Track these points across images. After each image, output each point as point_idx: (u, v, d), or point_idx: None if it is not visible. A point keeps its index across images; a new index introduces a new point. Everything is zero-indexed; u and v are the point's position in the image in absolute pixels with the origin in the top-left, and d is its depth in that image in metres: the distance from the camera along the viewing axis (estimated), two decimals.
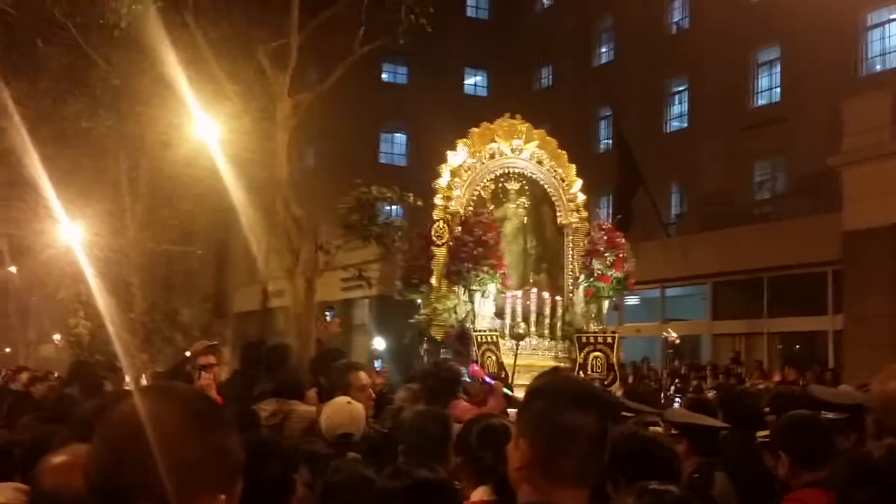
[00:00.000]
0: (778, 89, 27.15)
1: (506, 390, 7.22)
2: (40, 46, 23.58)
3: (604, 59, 33.52)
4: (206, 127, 21.00)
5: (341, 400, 5.31)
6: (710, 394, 11.38)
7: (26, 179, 24.87)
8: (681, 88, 30.21)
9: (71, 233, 25.71)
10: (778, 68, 27.19)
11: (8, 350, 34.59)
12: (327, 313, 26.86)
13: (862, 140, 18.21)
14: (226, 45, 20.54)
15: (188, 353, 8.49)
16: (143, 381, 10.27)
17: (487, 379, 7.49)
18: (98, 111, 23.36)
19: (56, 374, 16.19)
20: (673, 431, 4.76)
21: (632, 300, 26.59)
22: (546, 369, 2.48)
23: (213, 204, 26.27)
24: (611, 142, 31.53)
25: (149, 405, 1.55)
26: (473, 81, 38.78)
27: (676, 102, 30.56)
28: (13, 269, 32.10)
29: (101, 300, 24.55)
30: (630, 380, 17.60)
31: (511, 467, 2.17)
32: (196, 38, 19.34)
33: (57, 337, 30.58)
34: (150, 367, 17.67)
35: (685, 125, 30.03)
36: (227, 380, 7.83)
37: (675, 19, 30.85)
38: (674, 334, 10.72)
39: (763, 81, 27.79)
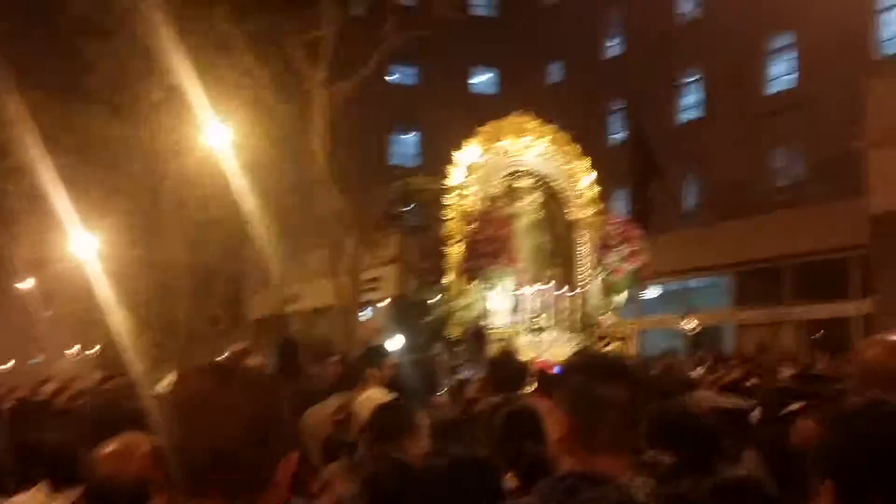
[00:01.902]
0: (793, 75, 26.93)
1: None
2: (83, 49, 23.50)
3: (614, 52, 33.36)
4: (233, 129, 21.12)
5: (377, 391, 5.65)
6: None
7: (47, 191, 25.03)
8: (694, 78, 30.01)
9: (89, 243, 25.82)
10: (793, 54, 26.97)
11: (32, 362, 34.83)
12: (363, 312, 26.84)
13: (887, 121, 17.99)
14: (257, 40, 20.48)
15: (221, 357, 8.48)
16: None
17: (557, 370, 7.30)
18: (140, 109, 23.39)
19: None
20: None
21: (652, 292, 26.49)
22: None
23: (231, 209, 26.35)
24: (624, 135, 31.39)
25: (230, 381, 1.68)
26: (482, 80, 38.69)
27: (690, 92, 30.37)
28: (29, 282, 32.32)
29: (140, 307, 24.79)
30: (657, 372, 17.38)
31: (551, 440, 2.32)
32: (229, 32, 19.23)
33: (76, 348, 30.75)
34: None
35: (699, 115, 29.83)
36: None
37: (686, 9, 30.65)
38: (692, 323, 10.60)
39: (777, 68, 27.56)
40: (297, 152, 22.29)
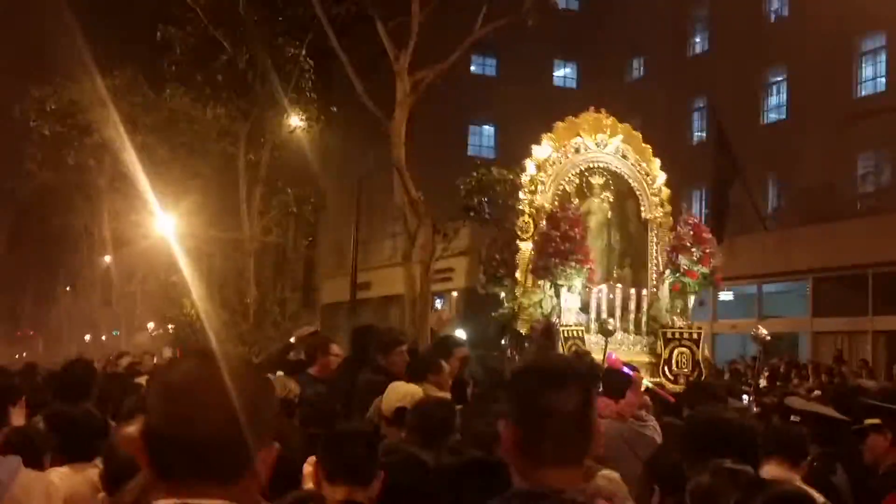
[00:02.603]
0: (883, 79, 26.15)
1: (646, 383, 6.90)
2: (164, 29, 24.01)
3: (698, 49, 32.81)
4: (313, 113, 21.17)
5: (399, 383, 5.65)
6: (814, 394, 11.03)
7: (133, 172, 25.64)
8: (779, 78, 29.36)
9: (168, 223, 26.36)
10: (883, 56, 26.19)
11: (105, 337, 35.76)
12: (437, 302, 26.93)
13: None
14: (345, 25, 20.69)
15: (292, 339, 8.62)
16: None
17: (626, 369, 7.04)
18: (222, 95, 23.84)
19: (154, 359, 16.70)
20: (793, 418, 4.78)
21: (726, 296, 26.02)
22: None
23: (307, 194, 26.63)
24: (705, 134, 30.87)
25: (216, 367, 1.66)
26: (563, 73, 38.41)
27: (774, 93, 29.71)
28: (110, 258, 33.13)
29: (211, 288, 25.24)
30: (726, 377, 17.17)
31: (503, 449, 2.19)
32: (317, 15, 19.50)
33: (151, 325, 31.48)
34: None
35: (783, 116, 29.18)
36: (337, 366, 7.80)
37: (774, 7, 30.00)
38: (763, 331, 10.40)
39: (867, 70, 26.79)
40: (378, 139, 22.44)
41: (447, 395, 5.95)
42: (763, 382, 18.67)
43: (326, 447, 3.43)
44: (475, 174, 20.58)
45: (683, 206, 10.80)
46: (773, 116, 29.76)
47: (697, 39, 32.93)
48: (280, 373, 7.38)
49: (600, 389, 6.35)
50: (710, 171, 25.13)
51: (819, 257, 23.29)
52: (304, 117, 24.74)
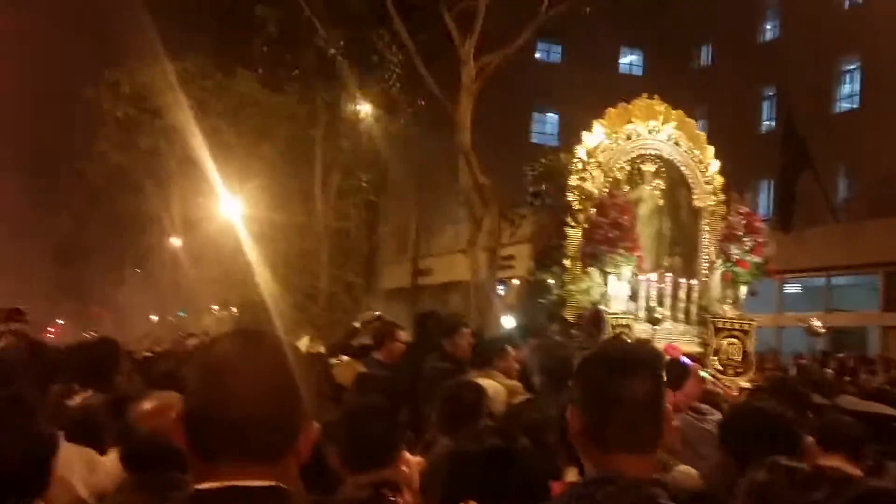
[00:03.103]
0: None
1: (704, 374, 6.73)
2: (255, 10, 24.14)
3: (768, 36, 32.10)
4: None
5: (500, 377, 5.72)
6: None
7: (200, 155, 26.00)
8: (852, 67, 28.59)
9: (233, 206, 26.72)
10: None
11: (172, 318, 36.50)
12: (499, 288, 26.90)
13: None
14: (409, 10, 20.70)
15: (357, 324, 8.68)
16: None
17: (684, 359, 6.91)
18: (314, 82, 23.94)
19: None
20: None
21: (794, 288, 25.52)
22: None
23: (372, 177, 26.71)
24: (774, 123, 30.23)
25: (260, 346, 1.70)
26: (629, 60, 37.94)
27: (847, 81, 28.94)
28: (174, 241, 33.74)
29: (278, 271, 25.50)
30: (794, 372, 16.78)
31: (570, 436, 2.18)
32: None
33: (216, 308, 32.02)
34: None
35: (856, 106, 28.42)
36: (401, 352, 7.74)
37: None
38: (817, 323, 10.16)
39: None
40: (441, 125, 22.42)
41: (516, 384, 5.93)
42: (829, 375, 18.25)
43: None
44: (542, 160, 20.47)
45: (740, 194, 10.48)
46: (845, 105, 29.02)
47: (768, 26, 32.24)
48: (345, 357, 7.46)
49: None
50: (779, 160, 24.61)
51: (890, 250, 22.68)
52: (379, 108, 24.66)
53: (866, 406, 4.99)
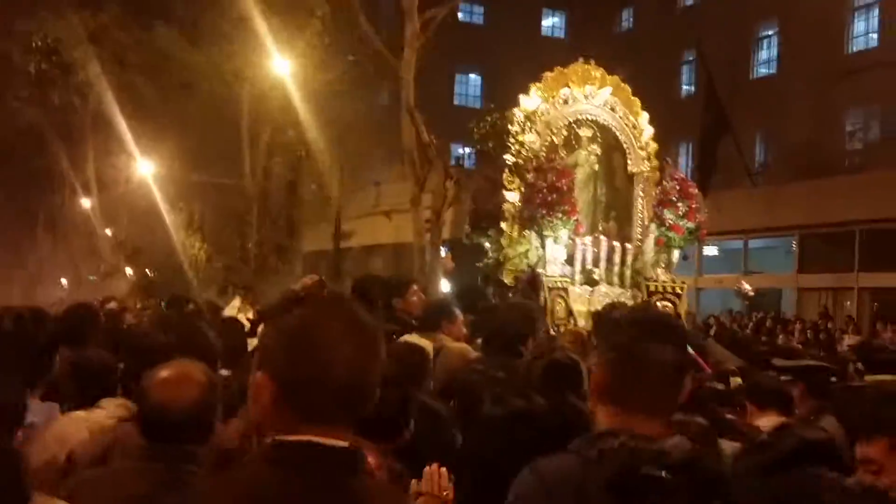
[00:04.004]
0: (875, 34, 25.96)
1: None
2: None
3: (689, 2, 32.47)
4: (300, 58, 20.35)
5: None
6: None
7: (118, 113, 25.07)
8: (769, 33, 29.11)
9: (148, 166, 25.98)
10: (875, 12, 25.97)
11: (90, 279, 35.52)
12: (442, 249, 26.74)
13: None
14: None
15: (297, 288, 8.46)
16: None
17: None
18: (218, 32, 23.08)
19: (139, 305, 16.55)
20: (784, 377, 4.87)
21: (712, 251, 26.06)
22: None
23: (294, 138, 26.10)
24: (693, 87, 30.66)
25: (359, 317, 1.76)
26: (551, 23, 37.99)
27: (764, 47, 29.48)
28: (87, 201, 32.79)
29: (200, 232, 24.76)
30: (713, 332, 17.20)
31: (589, 390, 2.28)
32: None
33: (129, 272, 31.25)
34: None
35: (773, 71, 28.98)
36: None
37: None
38: (747, 286, 10.33)
39: (859, 26, 26.58)
40: (376, 80, 21.90)
41: (465, 346, 5.85)
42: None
43: None
44: (489, 118, 20.23)
45: (667, 160, 10.59)
46: (762, 71, 29.57)
47: None
48: None
49: None
50: (698, 124, 24.98)
51: (806, 213, 23.30)
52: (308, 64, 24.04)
53: (796, 362, 5.18)
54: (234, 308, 11.39)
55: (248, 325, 7.28)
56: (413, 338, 5.42)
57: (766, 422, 4.13)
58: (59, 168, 32.69)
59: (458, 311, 6.25)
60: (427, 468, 2.98)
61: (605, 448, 2.04)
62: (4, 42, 27.40)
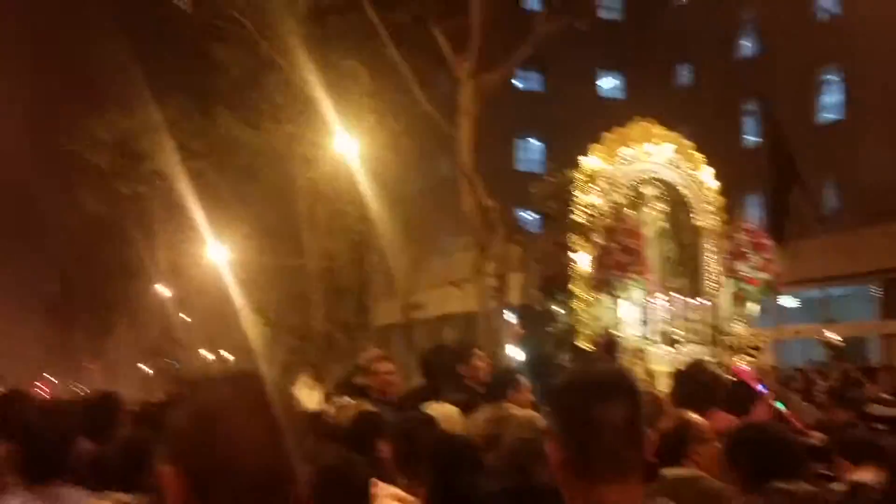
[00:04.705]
0: None
1: (777, 404, 6.38)
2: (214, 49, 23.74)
3: (747, 52, 32.29)
4: (362, 137, 20.67)
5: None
6: None
7: (182, 201, 25.62)
8: (833, 77, 28.71)
9: (222, 250, 26.39)
10: None
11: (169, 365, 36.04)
12: (511, 315, 26.57)
13: None
14: (402, 30, 20.21)
15: (359, 364, 8.45)
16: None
17: (760, 387, 6.45)
18: (279, 116, 23.49)
19: None
20: (875, 425, 4.84)
21: (790, 302, 25.43)
22: None
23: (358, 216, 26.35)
24: (755, 137, 30.31)
25: (265, 392, 1.56)
26: (610, 84, 38.08)
27: (828, 91, 29.07)
28: (166, 287, 33.41)
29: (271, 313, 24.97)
30: (796, 385, 16.64)
31: (551, 469, 2.06)
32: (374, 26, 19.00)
33: (205, 353, 31.64)
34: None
35: (839, 116, 28.51)
36: (412, 390, 7.48)
37: (825, 5, 29.42)
38: (836, 336, 10.07)
39: None
40: (436, 151, 21.92)
41: (532, 413, 5.76)
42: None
43: None
44: (552, 178, 20.15)
45: (737, 211, 10.45)
46: (828, 116, 29.12)
47: (746, 42, 32.40)
48: (346, 398, 7.23)
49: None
50: (766, 175, 24.54)
51: (885, 258, 22.66)
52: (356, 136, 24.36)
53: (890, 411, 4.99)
54: (303, 385, 11.40)
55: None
56: (485, 410, 5.34)
57: (866, 476, 3.99)
58: (133, 257, 33.50)
59: (523, 379, 6.17)
60: None
61: None
62: (76, 140, 28.41)
